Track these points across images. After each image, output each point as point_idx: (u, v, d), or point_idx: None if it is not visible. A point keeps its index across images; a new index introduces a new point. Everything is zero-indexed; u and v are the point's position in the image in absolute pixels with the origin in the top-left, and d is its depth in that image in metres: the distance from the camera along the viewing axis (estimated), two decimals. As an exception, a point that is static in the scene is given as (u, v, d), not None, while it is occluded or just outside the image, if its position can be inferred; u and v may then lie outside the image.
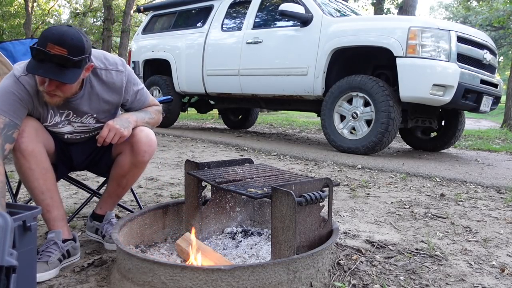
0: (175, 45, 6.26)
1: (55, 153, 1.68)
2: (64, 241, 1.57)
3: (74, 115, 1.64)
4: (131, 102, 1.73)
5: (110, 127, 1.56)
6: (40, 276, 1.41)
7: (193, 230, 1.60)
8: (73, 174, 2.18)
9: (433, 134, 5.40)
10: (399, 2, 14.47)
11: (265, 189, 1.44)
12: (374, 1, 14.07)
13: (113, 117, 1.72)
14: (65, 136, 1.71)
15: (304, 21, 4.80)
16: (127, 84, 1.66)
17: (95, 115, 1.66)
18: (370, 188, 3.01)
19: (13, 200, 1.90)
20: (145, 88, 1.80)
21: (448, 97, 3.99)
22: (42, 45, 1.36)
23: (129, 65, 5.98)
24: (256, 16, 5.48)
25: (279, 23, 5.23)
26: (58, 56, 1.35)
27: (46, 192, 1.55)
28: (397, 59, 4.08)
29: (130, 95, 1.70)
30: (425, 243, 1.88)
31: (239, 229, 1.88)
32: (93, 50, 1.59)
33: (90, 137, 1.77)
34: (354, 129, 4.47)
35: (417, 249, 1.79)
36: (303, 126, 9.19)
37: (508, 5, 13.00)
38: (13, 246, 1.02)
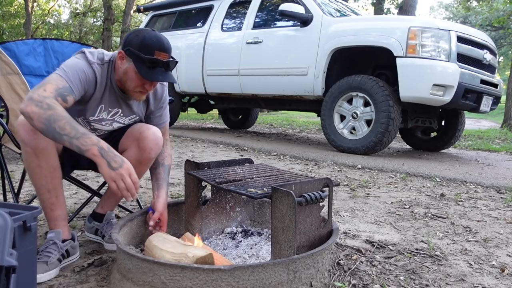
0: (175, 45, 6.25)
1: (63, 152, 1.69)
2: (63, 241, 1.57)
3: (122, 114, 1.72)
4: (155, 113, 1.84)
5: (166, 221, 1.70)
6: (40, 277, 1.41)
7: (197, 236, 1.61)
8: (73, 174, 2.18)
9: (433, 134, 5.40)
10: (399, 2, 14.47)
11: (265, 189, 1.43)
12: (374, 1, 14.07)
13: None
14: (96, 134, 1.75)
15: (304, 21, 4.80)
16: (164, 97, 1.83)
17: (137, 118, 1.78)
18: (370, 188, 3.01)
19: (15, 200, 1.90)
20: (168, 108, 1.92)
21: (448, 97, 3.99)
22: (151, 53, 1.51)
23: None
24: (256, 16, 5.48)
25: (279, 23, 5.23)
26: (169, 62, 1.55)
27: (52, 190, 1.56)
28: (397, 59, 4.08)
29: (158, 107, 1.84)
30: (425, 243, 1.88)
31: (239, 229, 1.88)
32: None
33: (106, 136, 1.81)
34: (354, 129, 4.47)
35: (417, 249, 1.79)
36: (303, 126, 9.19)
37: (508, 5, 13.00)
38: (13, 246, 1.02)
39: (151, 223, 1.66)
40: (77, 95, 1.52)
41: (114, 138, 1.77)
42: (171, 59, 1.57)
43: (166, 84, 1.83)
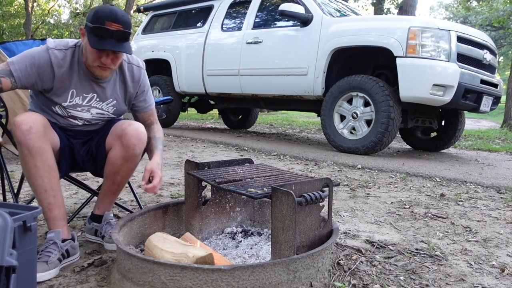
0: (175, 45, 6.26)
1: (59, 152, 1.69)
2: (63, 241, 1.57)
3: (97, 99, 1.72)
4: (138, 97, 1.83)
5: (160, 178, 1.63)
6: (40, 276, 1.41)
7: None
8: (73, 174, 2.18)
9: (433, 134, 5.40)
10: (399, 2, 14.47)
11: (265, 189, 1.44)
12: (374, 1, 14.07)
13: (121, 116, 1.86)
14: (80, 122, 1.75)
15: (304, 21, 4.80)
16: (143, 79, 1.82)
17: (115, 102, 1.77)
18: (370, 188, 3.01)
19: (15, 200, 1.90)
20: (150, 91, 1.91)
21: (448, 97, 3.99)
22: (101, 23, 1.50)
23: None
24: (256, 16, 5.48)
25: (279, 23, 5.23)
26: (118, 32, 1.52)
27: (50, 190, 1.56)
28: (397, 59, 4.08)
29: (140, 89, 1.83)
30: (425, 243, 1.88)
31: (239, 229, 1.88)
32: None
33: (94, 130, 1.81)
34: (354, 129, 4.47)
35: (417, 249, 1.79)
36: (303, 126, 9.19)
37: (508, 5, 12.99)
38: (13, 246, 1.02)
39: (143, 182, 1.61)
40: (18, 78, 1.55)
41: (101, 137, 1.77)
42: (125, 30, 1.53)
43: (142, 66, 1.83)
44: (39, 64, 1.58)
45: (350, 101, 4.48)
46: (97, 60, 1.58)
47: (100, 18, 1.51)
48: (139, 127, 1.70)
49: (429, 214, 2.34)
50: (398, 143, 6.31)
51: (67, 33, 27.06)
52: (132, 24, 1.63)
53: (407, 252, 1.75)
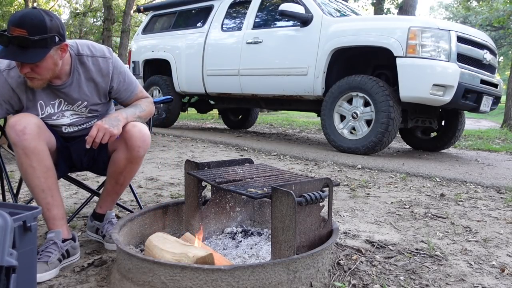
0: (175, 45, 6.26)
1: (56, 151, 1.68)
2: (64, 240, 1.57)
3: (66, 103, 1.67)
4: (118, 90, 1.75)
5: (99, 126, 1.56)
6: (40, 277, 1.41)
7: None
8: (73, 174, 2.18)
9: (433, 134, 5.40)
10: (399, 2, 14.45)
11: (265, 189, 1.43)
12: (374, 1, 14.07)
13: (104, 107, 1.78)
14: (64, 129, 1.72)
15: (304, 21, 4.80)
16: (113, 71, 1.70)
17: (85, 103, 1.70)
18: (370, 188, 3.01)
19: (14, 200, 1.90)
20: (133, 76, 1.81)
21: (448, 97, 3.99)
22: (7, 30, 1.42)
23: (129, 65, 5.99)
24: (256, 16, 5.48)
25: (279, 23, 5.23)
26: (18, 38, 1.39)
27: (47, 190, 1.55)
28: (397, 59, 4.08)
29: (115, 82, 1.73)
30: (425, 243, 1.88)
31: (239, 229, 1.88)
32: (79, 40, 1.68)
33: (87, 132, 1.78)
34: (354, 129, 4.47)
35: (417, 249, 1.79)
36: (303, 126, 9.18)
37: (508, 5, 13.00)
38: (13, 246, 1.02)
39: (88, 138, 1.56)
40: None
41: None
42: (29, 36, 1.39)
43: (109, 55, 1.69)
44: (2, 92, 1.57)
45: (350, 101, 4.48)
46: (20, 72, 1.49)
47: (8, 23, 1.40)
48: (143, 128, 1.69)
49: (429, 214, 2.34)
50: (398, 143, 6.31)
51: (67, 33, 27.06)
52: (59, 27, 1.48)
53: (407, 252, 1.75)
